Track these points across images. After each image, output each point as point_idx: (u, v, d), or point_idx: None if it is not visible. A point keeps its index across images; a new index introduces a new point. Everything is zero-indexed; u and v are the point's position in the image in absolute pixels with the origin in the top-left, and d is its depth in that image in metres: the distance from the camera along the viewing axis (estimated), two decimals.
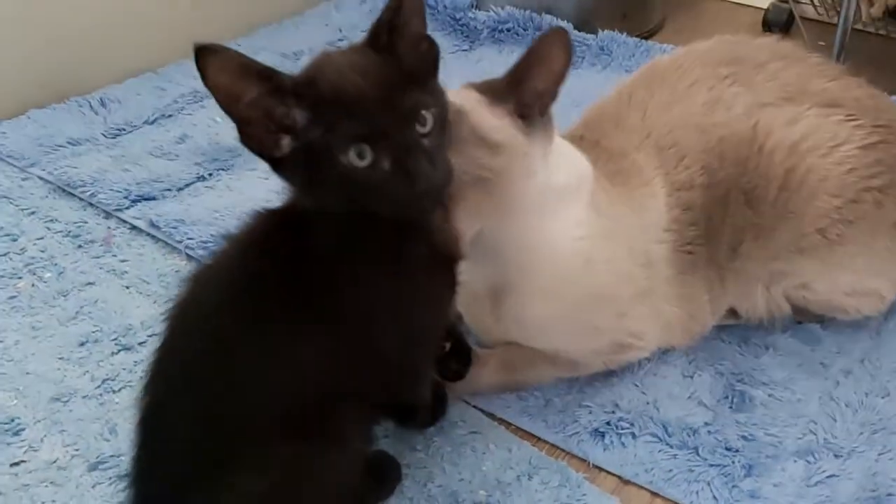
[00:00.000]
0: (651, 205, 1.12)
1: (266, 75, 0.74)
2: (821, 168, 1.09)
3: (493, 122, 0.97)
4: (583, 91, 1.76)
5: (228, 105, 0.74)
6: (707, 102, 1.14)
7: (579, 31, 1.96)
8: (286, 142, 0.76)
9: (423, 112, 0.77)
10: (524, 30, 1.97)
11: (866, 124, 1.12)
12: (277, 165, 0.78)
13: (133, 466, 0.84)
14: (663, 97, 1.16)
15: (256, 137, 0.76)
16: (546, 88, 0.99)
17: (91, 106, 1.71)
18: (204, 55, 0.72)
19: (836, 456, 1.04)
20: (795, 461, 1.04)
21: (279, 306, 0.81)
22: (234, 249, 0.85)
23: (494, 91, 0.98)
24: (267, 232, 0.84)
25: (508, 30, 1.98)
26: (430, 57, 0.82)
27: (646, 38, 2.02)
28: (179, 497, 0.79)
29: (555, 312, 1.08)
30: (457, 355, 1.08)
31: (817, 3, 1.94)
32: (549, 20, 1.96)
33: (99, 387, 1.13)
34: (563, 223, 1.05)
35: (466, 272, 0.98)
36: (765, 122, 1.11)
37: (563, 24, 1.94)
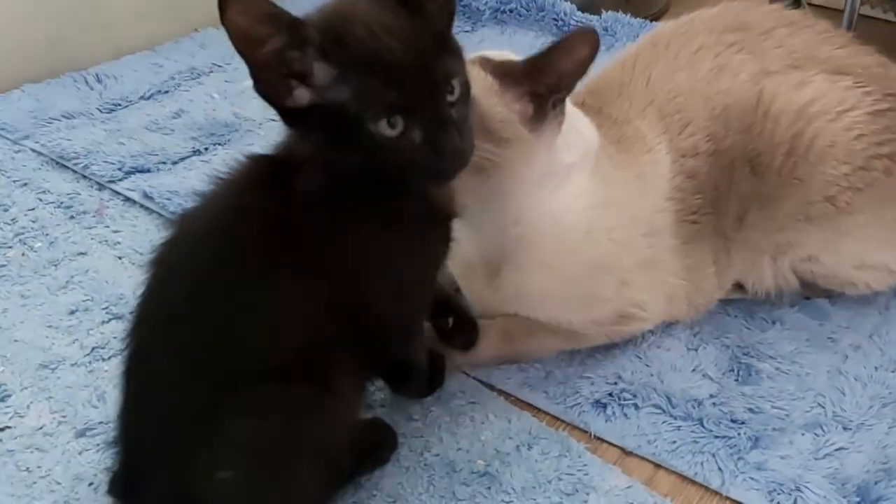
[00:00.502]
0: (655, 171, 1.09)
1: (292, 25, 0.71)
2: (828, 133, 1.06)
3: (503, 114, 0.95)
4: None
5: (246, 49, 0.71)
6: (712, 69, 1.11)
7: (583, 12, 1.93)
8: (301, 92, 0.73)
9: (454, 81, 0.75)
10: (527, 10, 1.95)
11: (875, 91, 1.09)
12: (289, 115, 0.76)
13: (119, 419, 0.81)
14: (668, 64, 1.14)
15: (271, 85, 0.73)
16: (565, 83, 0.96)
17: (87, 81, 1.69)
18: None
19: (844, 429, 1.02)
20: (803, 434, 1.01)
21: (268, 250, 0.78)
22: (222, 192, 0.82)
23: (510, 74, 0.95)
24: (258, 176, 0.82)
25: (511, 11, 1.96)
26: (448, 13, 0.79)
27: (651, 21, 1.99)
28: (166, 445, 0.76)
29: (555, 284, 1.05)
30: (461, 328, 1.05)
31: None
32: (552, 1, 1.94)
33: (88, 355, 1.10)
34: (564, 196, 1.02)
35: (463, 242, 0.96)
36: (770, 87, 1.08)
37: (568, 4, 1.93)
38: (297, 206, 0.78)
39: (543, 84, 0.95)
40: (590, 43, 0.93)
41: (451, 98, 0.76)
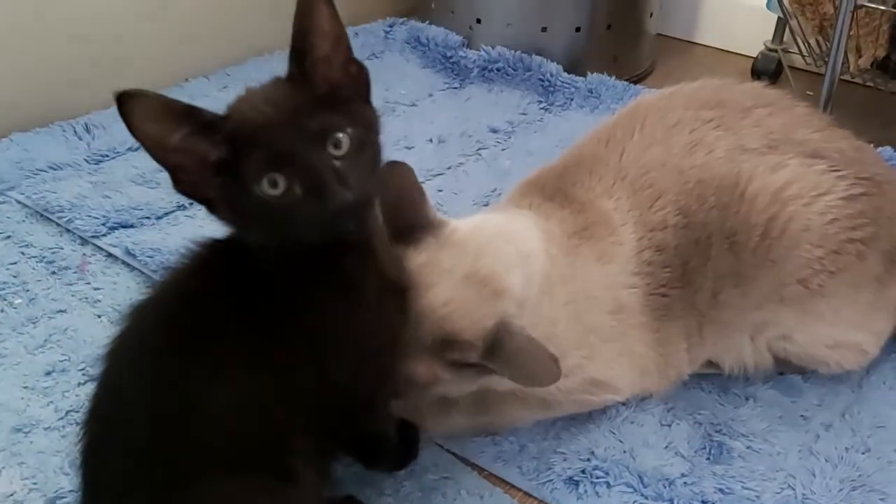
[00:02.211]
0: (617, 252, 1.11)
1: (188, 113, 0.73)
2: (803, 217, 1.08)
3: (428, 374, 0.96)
4: (570, 132, 1.79)
5: (157, 150, 0.73)
6: (687, 144, 1.13)
7: (569, 73, 1.96)
8: (217, 182, 0.75)
9: (337, 134, 0.75)
10: (514, 70, 1.97)
11: (850, 175, 1.11)
12: (211, 207, 0.78)
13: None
14: (644, 138, 1.16)
15: (188, 181, 0.75)
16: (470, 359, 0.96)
17: (75, 131, 1.70)
18: (126, 101, 0.70)
19: None
20: None
21: (220, 336, 0.78)
22: (171, 280, 0.84)
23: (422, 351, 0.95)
24: (205, 261, 0.83)
25: (498, 70, 1.98)
26: (359, 80, 0.82)
27: (635, 82, 2.02)
28: None
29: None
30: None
31: (805, 53, 1.96)
32: (538, 61, 1.97)
33: (62, 418, 1.10)
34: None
35: None
36: (747, 167, 1.10)
37: (554, 65, 1.96)
38: (247, 292, 0.79)
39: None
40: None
41: (336, 152, 0.75)
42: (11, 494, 1.00)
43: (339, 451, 0.93)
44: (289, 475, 0.80)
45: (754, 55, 2.21)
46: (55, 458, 1.04)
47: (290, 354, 0.80)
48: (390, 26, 2.18)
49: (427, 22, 2.15)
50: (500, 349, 0.94)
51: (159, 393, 0.77)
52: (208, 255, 0.83)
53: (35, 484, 1.01)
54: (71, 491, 1.00)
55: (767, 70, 2.16)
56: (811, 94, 1.89)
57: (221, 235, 0.83)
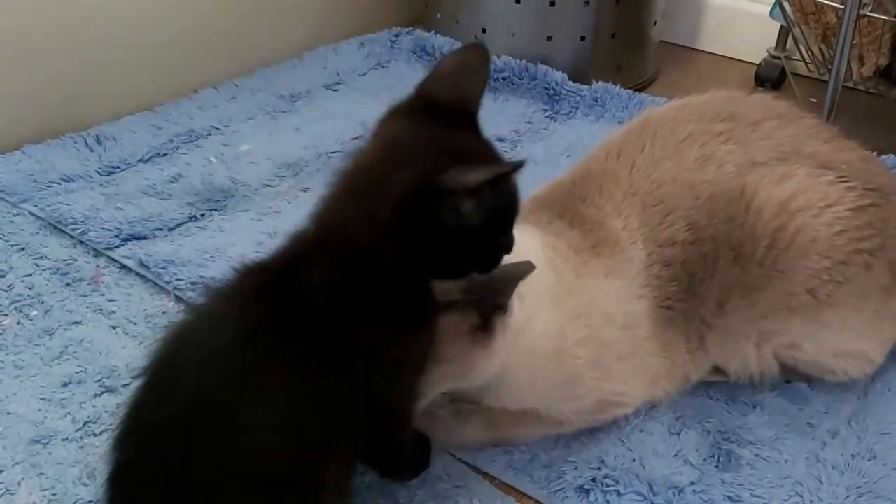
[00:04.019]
0: (626, 268, 1.12)
1: None
2: (811, 228, 1.09)
3: (456, 354, 0.96)
4: (575, 141, 1.81)
5: None
6: (698, 159, 1.14)
7: (574, 81, 1.98)
8: None
9: None
10: (519, 79, 1.99)
11: (858, 186, 1.12)
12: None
13: None
14: (654, 152, 1.17)
15: None
16: (500, 299, 0.97)
17: (86, 143, 1.71)
18: None
19: None
20: None
21: (275, 360, 0.79)
22: (219, 304, 0.85)
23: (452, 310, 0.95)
24: (259, 285, 0.83)
25: (504, 79, 2.00)
26: None
27: (639, 90, 2.04)
28: None
29: (532, 391, 1.08)
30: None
31: (809, 61, 1.97)
32: (543, 70, 1.98)
33: (80, 429, 1.11)
34: (531, 333, 1.03)
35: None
36: (754, 180, 1.12)
37: (559, 74, 1.98)
38: (306, 311, 0.80)
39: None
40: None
41: None
42: None
43: (360, 466, 0.95)
44: (316, 496, 0.81)
45: (758, 62, 2.23)
46: (73, 469, 1.06)
47: (339, 378, 0.81)
48: (396, 36, 2.20)
49: (433, 31, 2.17)
50: None
51: (202, 417, 0.77)
52: (259, 279, 0.84)
53: (54, 495, 1.03)
54: (89, 501, 1.02)
55: (771, 77, 2.18)
56: (815, 101, 1.91)
57: (264, 259, 0.85)
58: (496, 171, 0.78)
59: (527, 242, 1.06)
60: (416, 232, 0.79)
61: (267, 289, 0.82)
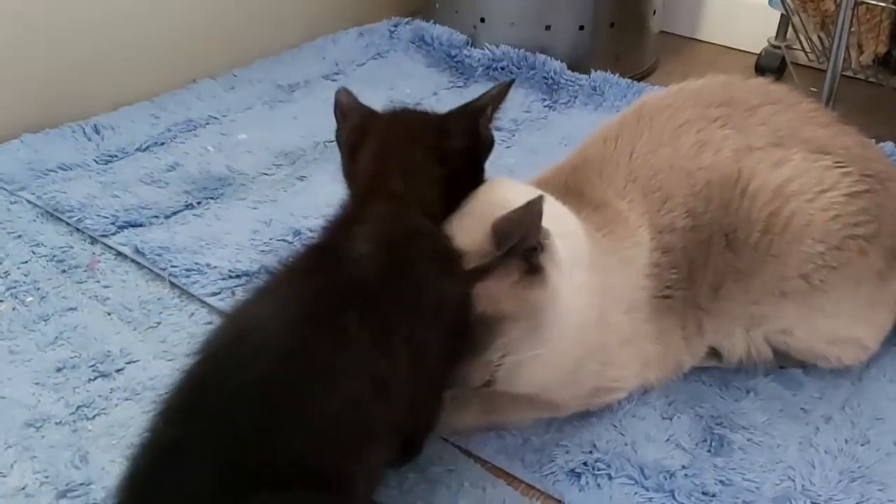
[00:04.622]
0: (636, 254, 1.12)
1: None
2: (805, 212, 1.09)
3: (517, 299, 0.96)
4: (574, 129, 1.80)
5: None
6: (695, 144, 1.14)
7: (572, 70, 1.97)
8: None
9: None
10: (518, 69, 1.98)
11: (854, 172, 1.12)
12: None
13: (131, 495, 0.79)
14: (652, 138, 1.16)
15: None
16: (531, 240, 0.97)
17: (84, 132, 1.72)
18: None
19: (813, 503, 1.03)
20: None
21: (333, 336, 0.80)
22: (285, 282, 0.87)
23: (494, 267, 0.96)
24: (318, 262, 0.88)
25: (503, 68, 2.00)
26: None
27: (639, 80, 2.03)
28: None
29: (544, 372, 1.06)
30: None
31: (808, 50, 1.96)
32: (542, 59, 1.98)
33: (73, 413, 1.12)
34: (567, 297, 1.03)
35: None
36: (750, 164, 1.11)
37: (557, 63, 1.97)
38: (364, 271, 0.84)
39: (517, 252, 0.96)
40: (536, 209, 0.95)
41: None
42: (23, 488, 1.02)
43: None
44: (350, 495, 0.81)
45: (758, 52, 2.22)
46: (66, 453, 1.06)
47: (393, 346, 0.84)
48: (395, 26, 2.20)
49: (431, 21, 2.17)
50: None
51: (260, 395, 0.77)
52: (318, 256, 0.89)
53: (46, 477, 1.03)
54: (81, 484, 1.02)
55: (771, 67, 2.17)
56: (815, 90, 1.90)
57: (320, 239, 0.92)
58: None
59: (559, 208, 1.07)
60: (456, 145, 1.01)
61: (321, 265, 0.86)
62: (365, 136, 1.03)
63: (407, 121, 1.06)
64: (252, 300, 0.87)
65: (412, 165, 0.99)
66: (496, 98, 1.05)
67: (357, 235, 0.89)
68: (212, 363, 0.81)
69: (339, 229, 0.94)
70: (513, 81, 1.11)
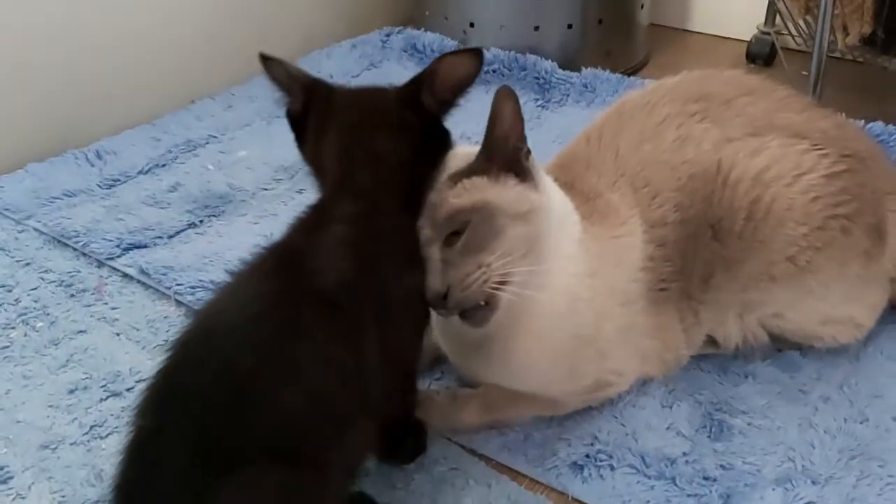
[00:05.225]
0: (629, 243, 1.14)
1: None
2: (785, 196, 1.11)
3: (511, 195, 1.00)
4: (567, 127, 1.82)
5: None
6: (676, 139, 1.16)
7: (563, 69, 1.99)
8: None
9: None
10: (509, 70, 2.01)
11: (832, 153, 1.14)
12: None
13: (114, 490, 0.83)
14: (634, 135, 1.19)
15: None
16: (515, 139, 1.01)
17: (87, 158, 1.76)
18: None
19: (813, 483, 1.05)
20: (773, 489, 1.04)
21: (302, 333, 0.84)
22: (246, 281, 0.90)
23: (483, 168, 1.00)
24: (279, 262, 0.91)
25: (494, 71, 2.02)
26: None
27: (630, 75, 2.05)
28: None
29: (540, 354, 1.09)
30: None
31: (796, 34, 1.98)
32: (533, 60, 2.00)
33: (87, 433, 1.15)
34: (560, 258, 1.06)
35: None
36: (729, 155, 1.13)
37: (548, 63, 2.00)
38: (327, 282, 0.87)
39: (506, 153, 1.01)
40: (508, 97, 0.99)
41: None
42: None
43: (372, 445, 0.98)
44: (326, 473, 0.84)
45: (748, 39, 2.23)
46: (81, 472, 1.09)
47: (357, 327, 0.88)
48: (387, 35, 2.23)
49: (422, 29, 2.20)
50: None
51: (229, 385, 0.81)
52: (279, 256, 0.92)
53: (63, 497, 1.06)
54: (97, 501, 1.05)
55: (762, 53, 2.19)
56: (805, 73, 1.91)
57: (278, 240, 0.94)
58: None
59: (552, 184, 1.10)
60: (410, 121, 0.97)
61: (283, 262, 0.90)
62: (322, 116, 1.00)
63: (364, 104, 1.01)
64: (219, 298, 0.91)
65: (378, 155, 0.97)
66: (445, 67, 0.98)
67: (325, 241, 0.91)
68: (180, 357, 0.85)
69: (309, 230, 0.95)
70: (465, 51, 1.01)
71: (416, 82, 0.98)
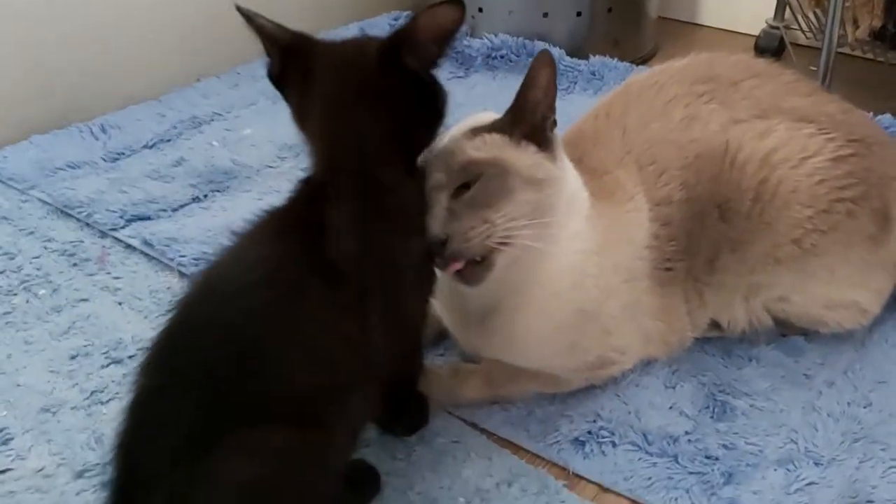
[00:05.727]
0: (635, 219, 1.13)
1: None
2: (791, 179, 1.10)
3: (528, 160, 1.01)
4: (575, 115, 1.78)
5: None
6: (684, 119, 1.16)
7: (571, 56, 1.99)
8: None
9: None
10: (517, 56, 2.01)
11: (839, 138, 1.13)
12: None
13: (116, 447, 0.83)
14: (641, 114, 1.18)
15: None
16: (545, 107, 1.02)
17: (92, 131, 1.75)
18: None
19: (816, 464, 1.04)
20: (776, 469, 1.04)
21: (306, 294, 0.84)
22: (249, 243, 0.90)
23: (506, 128, 1.01)
24: (282, 225, 0.90)
25: (502, 56, 2.02)
26: None
27: (638, 66, 2.05)
28: (156, 478, 0.78)
29: (543, 330, 1.08)
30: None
31: (805, 28, 1.97)
32: (541, 46, 1.99)
33: (87, 398, 1.14)
34: (567, 235, 1.06)
35: (454, 285, 1.02)
36: (736, 136, 1.13)
37: (556, 50, 1.99)
38: (329, 247, 0.86)
39: (535, 120, 1.01)
40: (545, 63, 0.99)
41: None
42: (41, 469, 1.04)
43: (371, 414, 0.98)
44: (329, 433, 0.84)
45: (756, 33, 2.23)
46: (82, 436, 1.09)
47: (377, 295, 0.88)
48: (395, 19, 2.23)
49: None
50: None
51: (239, 341, 0.81)
52: (280, 218, 0.92)
53: (63, 459, 1.06)
54: (97, 464, 1.04)
55: (770, 47, 2.18)
56: (814, 69, 1.91)
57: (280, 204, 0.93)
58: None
59: (568, 161, 1.10)
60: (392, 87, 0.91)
61: (287, 229, 0.89)
62: (302, 82, 0.95)
63: (344, 71, 0.94)
64: (222, 261, 0.90)
65: (363, 128, 0.92)
66: (424, 21, 0.91)
67: (328, 212, 0.89)
68: (184, 317, 0.85)
69: (310, 200, 0.92)
70: (444, 1, 0.91)
71: (394, 42, 0.91)
